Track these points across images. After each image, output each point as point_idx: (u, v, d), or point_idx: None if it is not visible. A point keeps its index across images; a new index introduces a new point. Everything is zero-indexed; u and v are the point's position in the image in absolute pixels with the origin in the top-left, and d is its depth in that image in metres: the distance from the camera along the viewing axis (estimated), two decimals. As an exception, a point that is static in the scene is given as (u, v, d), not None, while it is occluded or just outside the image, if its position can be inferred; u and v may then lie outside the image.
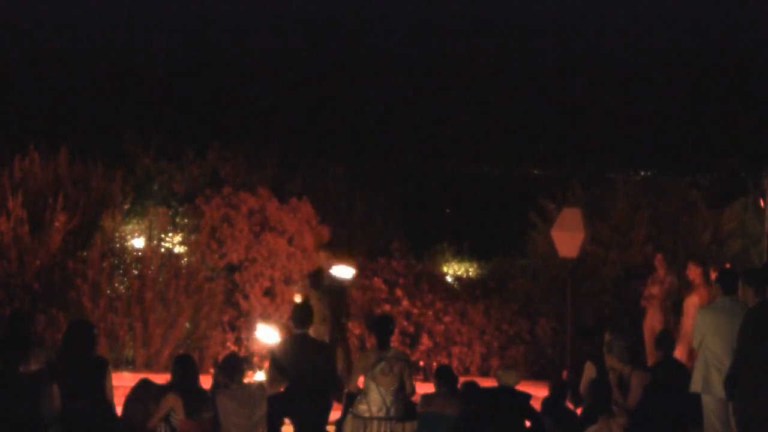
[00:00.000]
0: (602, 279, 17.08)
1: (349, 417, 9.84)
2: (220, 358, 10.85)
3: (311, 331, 10.44)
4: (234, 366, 9.42)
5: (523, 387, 10.16)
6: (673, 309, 14.72)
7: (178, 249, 16.51)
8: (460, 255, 19.11)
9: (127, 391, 9.54)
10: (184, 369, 9.20)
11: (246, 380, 9.69)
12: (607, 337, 10.26)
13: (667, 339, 10.46)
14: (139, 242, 16.36)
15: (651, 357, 13.52)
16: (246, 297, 16.24)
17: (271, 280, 16.29)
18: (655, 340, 10.71)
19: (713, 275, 12.39)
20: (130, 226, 16.59)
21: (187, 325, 15.77)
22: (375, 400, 9.61)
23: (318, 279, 14.14)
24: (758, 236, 16.30)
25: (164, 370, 14.14)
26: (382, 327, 9.96)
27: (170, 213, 16.79)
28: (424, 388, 11.02)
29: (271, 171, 19.49)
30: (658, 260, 14.84)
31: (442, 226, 24.29)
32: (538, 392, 11.35)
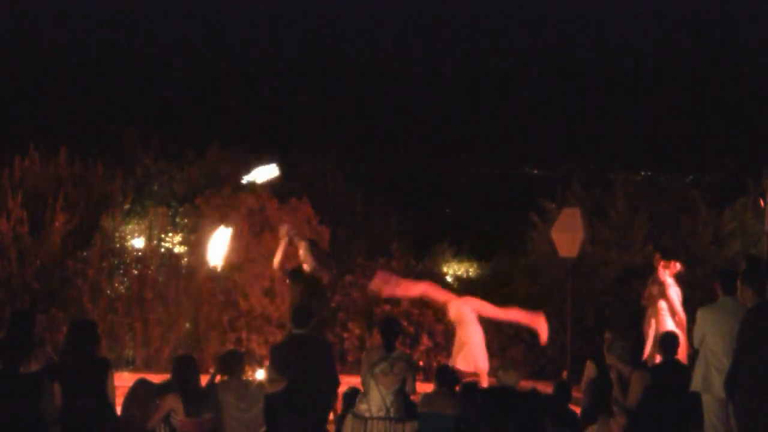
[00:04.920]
0: (602, 279, 17.07)
1: (349, 417, 9.84)
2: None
3: None
4: (232, 360, 9.43)
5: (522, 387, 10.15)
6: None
7: (178, 249, 16.51)
8: (460, 255, 19.09)
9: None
10: (184, 369, 9.21)
11: (245, 377, 9.70)
12: (607, 336, 10.26)
13: (670, 340, 10.44)
14: (139, 242, 16.36)
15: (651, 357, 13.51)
16: (246, 297, 16.23)
17: (271, 280, 16.27)
18: (659, 341, 10.70)
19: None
20: (130, 226, 16.58)
21: (187, 325, 15.76)
22: (375, 400, 9.61)
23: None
24: (758, 236, 16.28)
25: (164, 370, 14.15)
26: (387, 329, 9.96)
27: (170, 213, 16.79)
28: (424, 388, 11.02)
29: (271, 171, 19.48)
30: (657, 260, 14.84)
31: (442, 226, 24.25)
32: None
